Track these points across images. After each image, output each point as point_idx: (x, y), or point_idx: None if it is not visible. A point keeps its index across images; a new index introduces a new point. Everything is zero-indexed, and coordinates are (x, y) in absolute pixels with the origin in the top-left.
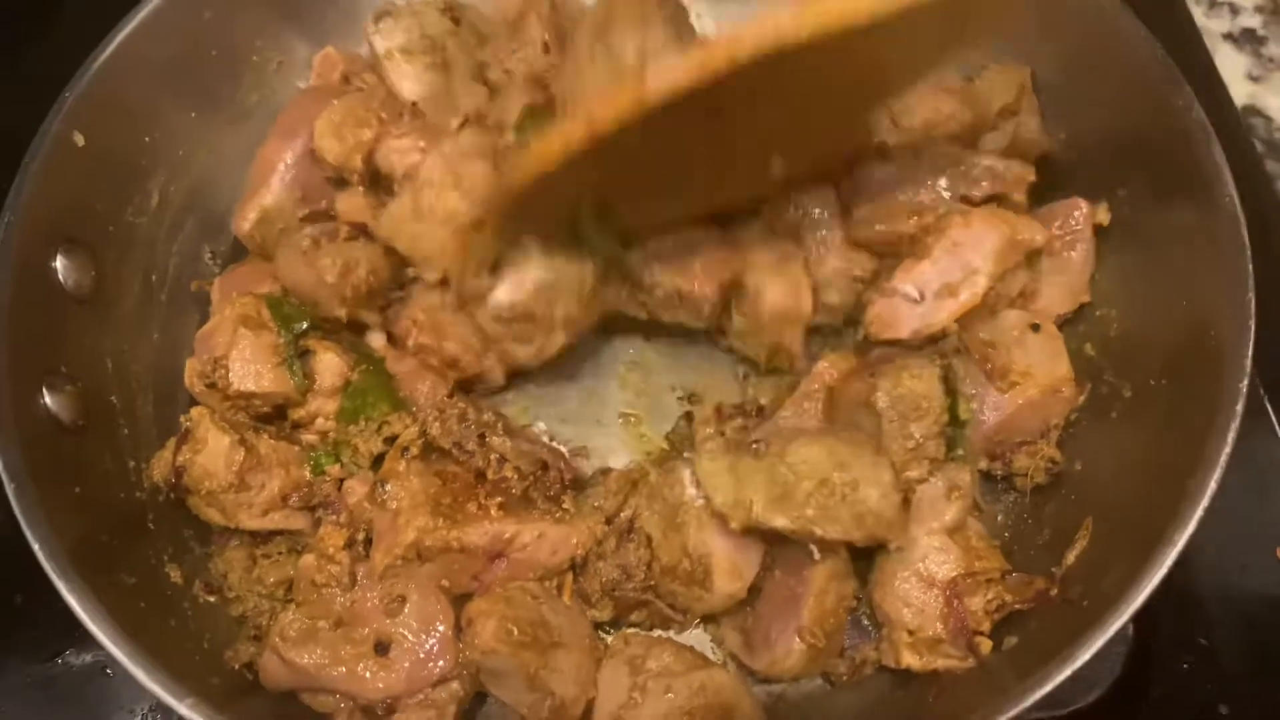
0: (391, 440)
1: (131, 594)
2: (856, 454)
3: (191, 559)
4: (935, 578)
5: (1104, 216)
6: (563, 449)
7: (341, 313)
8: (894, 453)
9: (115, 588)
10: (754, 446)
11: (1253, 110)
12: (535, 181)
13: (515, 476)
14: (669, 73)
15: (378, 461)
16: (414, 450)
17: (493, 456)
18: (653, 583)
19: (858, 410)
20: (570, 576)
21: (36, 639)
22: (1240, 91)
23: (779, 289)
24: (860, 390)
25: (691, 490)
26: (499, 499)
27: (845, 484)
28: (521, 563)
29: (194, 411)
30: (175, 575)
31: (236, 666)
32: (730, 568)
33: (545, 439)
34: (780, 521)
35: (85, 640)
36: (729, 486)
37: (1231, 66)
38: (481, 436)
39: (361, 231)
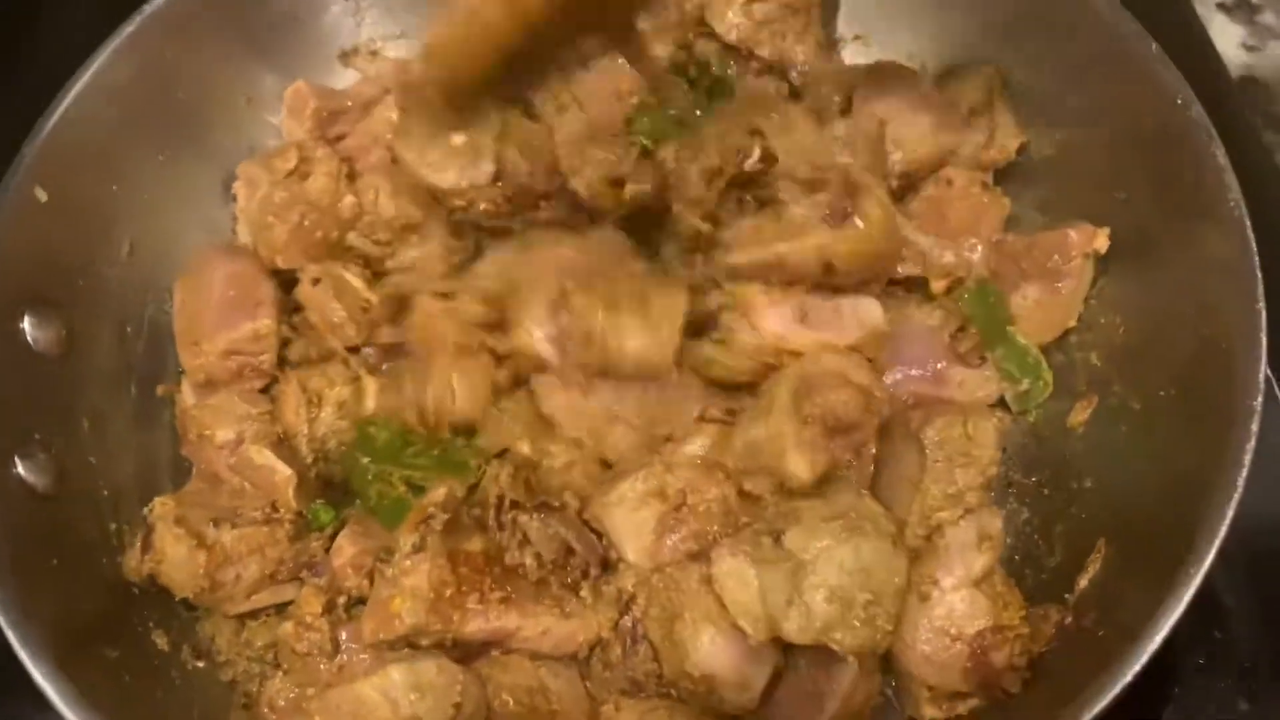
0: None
1: (115, 668)
2: (879, 556)
3: (178, 624)
4: (962, 633)
5: (1102, 243)
6: (595, 536)
7: None
8: (931, 494)
9: (97, 661)
10: (776, 539)
11: (1249, 80)
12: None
13: (534, 564)
14: None
15: None
16: (437, 524)
17: (517, 537)
18: (664, 690)
19: (905, 441)
20: None
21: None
22: (1236, 61)
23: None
24: (912, 420)
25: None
26: (506, 590)
27: (868, 600)
28: (521, 651)
29: (156, 506)
30: (162, 642)
31: None
32: (739, 681)
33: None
34: (806, 640)
35: None
36: (751, 598)
37: (1226, 36)
38: (514, 507)
39: None
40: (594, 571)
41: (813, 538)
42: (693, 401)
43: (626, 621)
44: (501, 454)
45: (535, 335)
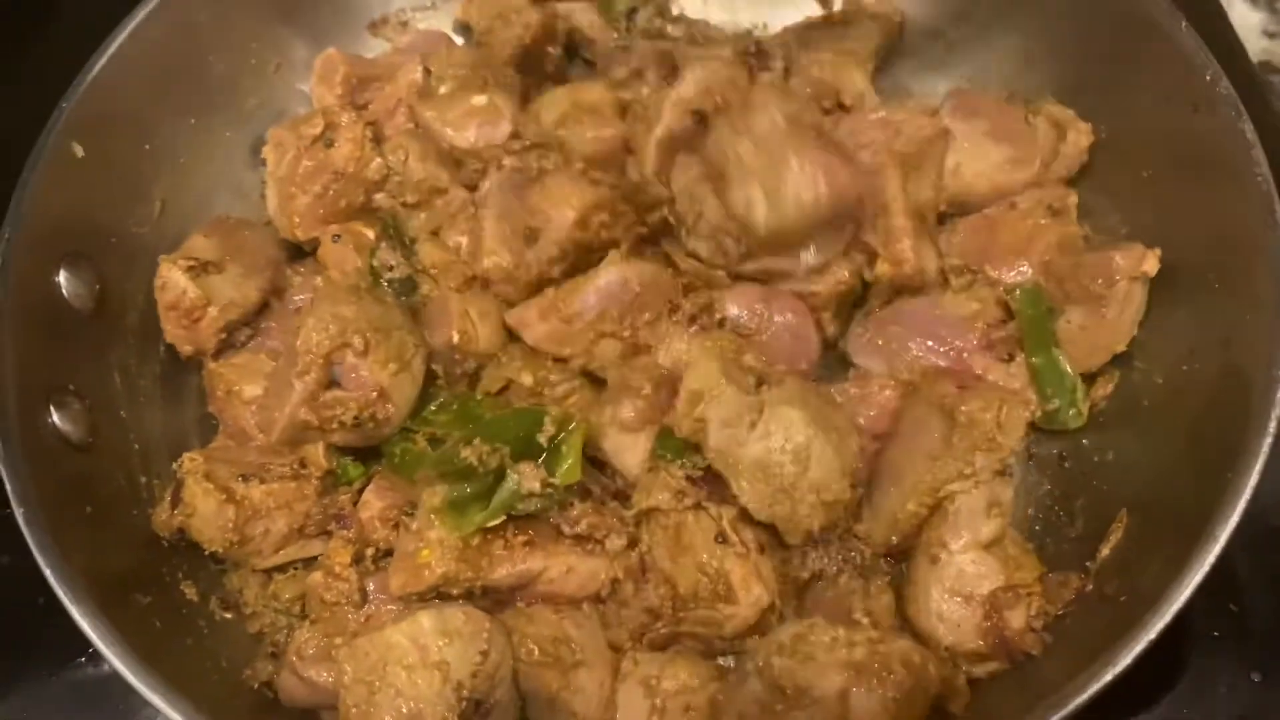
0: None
1: (147, 613)
2: (825, 449)
3: (207, 575)
4: (974, 593)
5: (1152, 265)
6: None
7: None
8: (944, 468)
9: (130, 608)
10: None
11: (1269, 67)
12: None
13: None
14: None
15: None
16: None
17: None
18: (681, 614)
19: (930, 412)
20: None
21: (60, 641)
22: (1255, 47)
23: None
24: (945, 395)
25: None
26: (528, 534)
27: (797, 478)
28: (547, 595)
29: (185, 461)
30: (191, 593)
31: (255, 685)
32: (750, 571)
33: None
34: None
35: None
36: (709, 379)
37: (1247, 23)
38: None
39: None
40: (610, 504)
41: (784, 405)
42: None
43: (634, 556)
44: (503, 390)
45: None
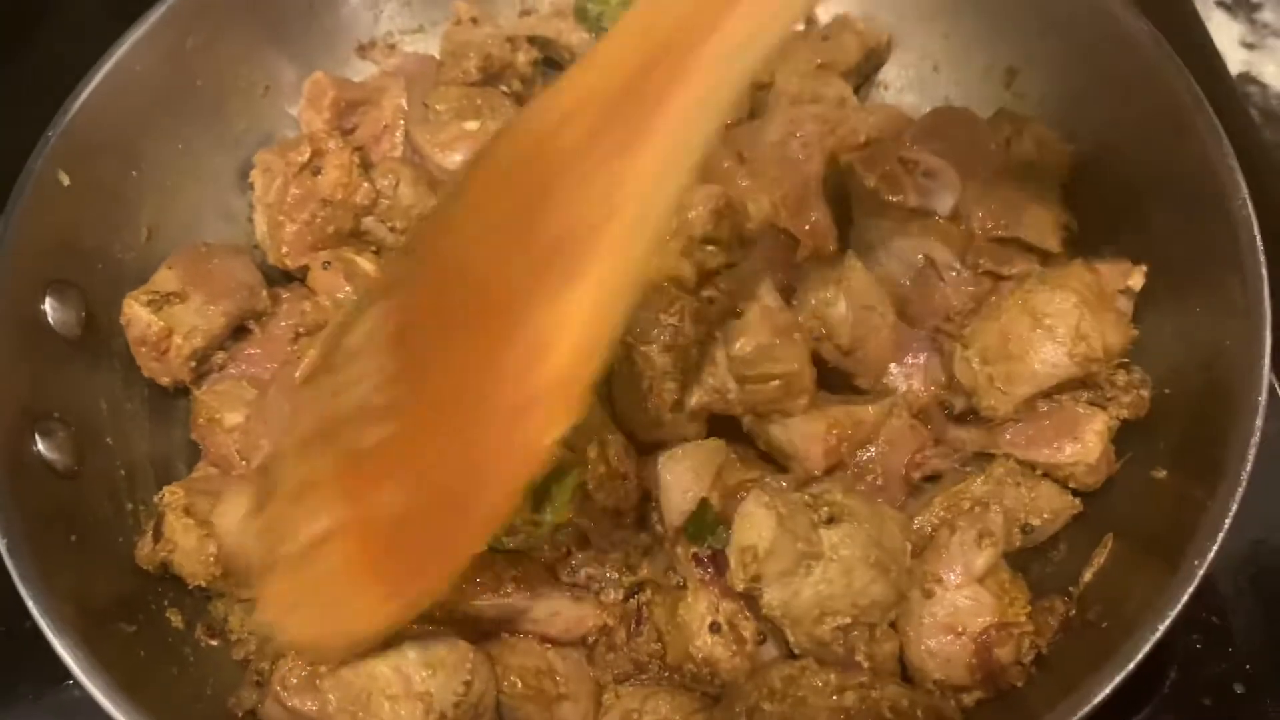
0: None
1: (131, 642)
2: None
3: (192, 603)
4: (966, 628)
5: (1137, 280)
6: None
7: None
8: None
9: (114, 637)
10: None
11: (1248, 78)
12: None
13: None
14: None
15: None
16: None
17: None
18: (666, 674)
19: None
20: None
21: (47, 663)
22: (1235, 59)
23: None
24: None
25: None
26: (519, 569)
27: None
28: (531, 634)
29: (165, 494)
30: (176, 620)
31: (240, 714)
32: (741, 666)
33: None
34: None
35: None
36: (764, 536)
37: (1225, 34)
38: None
39: None
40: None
41: (845, 547)
42: None
43: (632, 604)
44: None
45: None
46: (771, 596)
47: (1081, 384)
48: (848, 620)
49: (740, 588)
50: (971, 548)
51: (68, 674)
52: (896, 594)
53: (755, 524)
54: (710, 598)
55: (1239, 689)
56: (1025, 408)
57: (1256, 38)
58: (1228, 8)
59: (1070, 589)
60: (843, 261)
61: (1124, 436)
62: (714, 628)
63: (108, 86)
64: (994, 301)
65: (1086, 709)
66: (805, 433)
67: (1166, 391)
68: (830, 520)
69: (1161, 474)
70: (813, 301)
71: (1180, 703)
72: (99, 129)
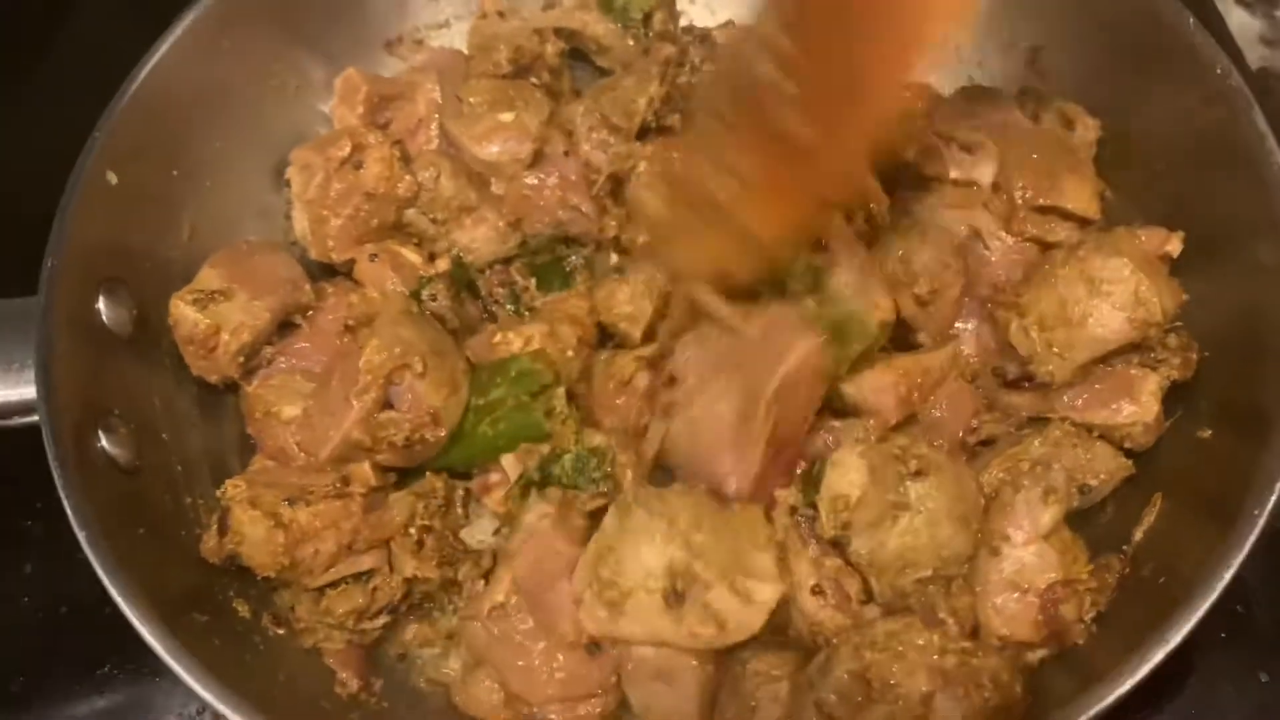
0: None
1: (206, 631)
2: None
3: (257, 593)
4: (1032, 585)
5: (1175, 246)
6: None
7: None
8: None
9: (191, 628)
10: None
11: (1268, 74)
12: None
13: None
14: None
15: None
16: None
17: None
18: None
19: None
20: None
21: (84, 648)
22: (1254, 56)
23: None
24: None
25: None
26: None
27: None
28: None
29: (228, 488)
30: (243, 610)
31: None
32: (845, 624)
33: None
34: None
35: (131, 650)
36: (856, 485)
37: (1245, 31)
38: None
39: None
40: None
41: (931, 499)
42: None
43: None
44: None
45: None
46: (859, 545)
47: (1134, 347)
48: (928, 572)
49: (829, 535)
50: (1037, 504)
51: (103, 660)
52: (974, 549)
53: (848, 472)
54: (810, 558)
55: (1263, 677)
56: (1081, 373)
57: (1276, 35)
58: (1248, 5)
59: (1124, 547)
60: (922, 216)
61: (1167, 399)
62: (816, 590)
63: (150, 87)
64: (1047, 269)
65: (1158, 658)
66: (876, 385)
67: (1206, 354)
68: (917, 473)
69: (1206, 433)
70: (899, 251)
71: (1205, 692)
72: (143, 128)
